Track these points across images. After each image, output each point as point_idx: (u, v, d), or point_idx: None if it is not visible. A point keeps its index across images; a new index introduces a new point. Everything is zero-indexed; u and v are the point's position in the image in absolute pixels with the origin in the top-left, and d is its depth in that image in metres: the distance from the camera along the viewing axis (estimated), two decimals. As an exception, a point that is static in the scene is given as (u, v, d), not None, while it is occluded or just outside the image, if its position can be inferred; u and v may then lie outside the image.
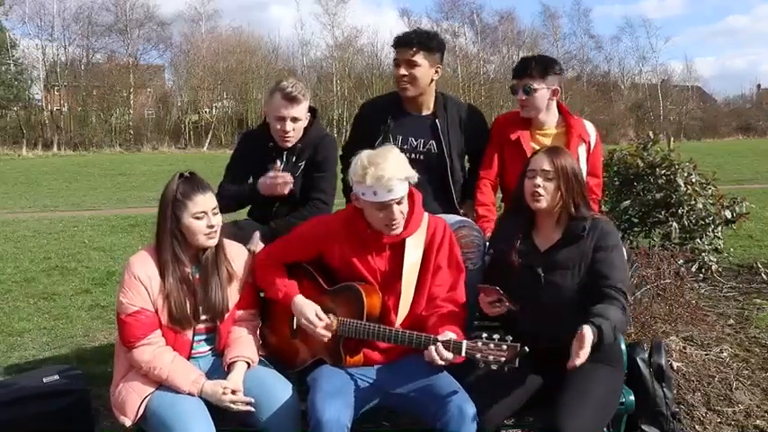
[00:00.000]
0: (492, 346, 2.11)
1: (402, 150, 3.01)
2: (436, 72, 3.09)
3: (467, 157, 3.23)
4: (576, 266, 2.32)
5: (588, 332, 2.04)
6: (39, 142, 32.83)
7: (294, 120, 2.89)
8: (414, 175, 2.35)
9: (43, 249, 7.76)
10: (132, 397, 2.27)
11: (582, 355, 2.03)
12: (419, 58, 3.00)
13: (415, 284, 2.41)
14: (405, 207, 2.34)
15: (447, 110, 3.13)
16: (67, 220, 10.11)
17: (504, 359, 2.09)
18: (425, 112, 3.13)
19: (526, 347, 2.08)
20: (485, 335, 2.13)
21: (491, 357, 2.10)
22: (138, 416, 2.26)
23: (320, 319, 2.38)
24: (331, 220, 2.53)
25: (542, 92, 2.99)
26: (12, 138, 32.81)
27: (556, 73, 3.02)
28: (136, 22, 37.99)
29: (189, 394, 2.26)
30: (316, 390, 2.22)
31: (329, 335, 2.38)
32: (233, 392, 2.25)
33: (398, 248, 2.40)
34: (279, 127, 2.91)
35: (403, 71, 3.02)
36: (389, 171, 2.25)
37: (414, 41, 3.00)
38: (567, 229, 2.35)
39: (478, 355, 2.11)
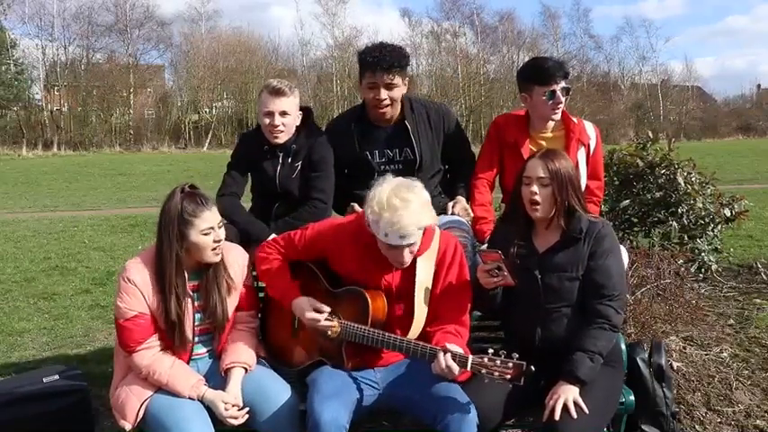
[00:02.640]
0: (498, 362, 2.10)
1: (381, 163, 3.00)
2: (406, 84, 3.02)
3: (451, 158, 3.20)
4: (573, 269, 2.32)
5: (564, 392, 2.17)
6: (39, 142, 32.83)
7: (283, 114, 2.88)
8: (434, 221, 2.27)
9: (43, 249, 7.76)
10: (131, 400, 2.27)
11: (557, 409, 2.14)
12: (397, 79, 2.93)
13: (428, 303, 2.37)
14: (416, 247, 2.28)
15: (414, 111, 3.08)
16: (67, 220, 10.11)
17: (509, 376, 2.08)
18: (394, 121, 3.07)
19: (532, 366, 2.07)
20: (491, 350, 2.13)
21: (496, 374, 2.09)
22: (138, 419, 2.26)
23: (320, 311, 2.35)
24: (339, 230, 2.45)
25: (562, 102, 2.97)
26: (12, 138, 32.82)
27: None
28: (136, 22, 38.05)
29: (189, 398, 2.26)
30: (314, 391, 2.21)
31: (335, 325, 2.34)
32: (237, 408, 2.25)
33: (409, 267, 2.34)
34: (268, 122, 2.90)
35: (383, 95, 2.94)
36: (406, 220, 2.15)
37: (393, 64, 2.90)
38: (565, 232, 2.36)
39: (484, 371, 2.10)
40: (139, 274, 2.32)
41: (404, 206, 2.15)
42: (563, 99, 2.95)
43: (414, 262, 2.33)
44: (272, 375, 2.41)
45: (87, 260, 7.11)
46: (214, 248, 2.33)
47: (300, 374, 2.46)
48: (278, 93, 2.86)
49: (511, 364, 2.08)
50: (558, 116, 3.01)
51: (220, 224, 2.35)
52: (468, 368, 2.13)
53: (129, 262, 2.37)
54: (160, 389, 2.29)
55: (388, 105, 2.98)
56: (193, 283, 2.40)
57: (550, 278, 2.34)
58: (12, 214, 11.20)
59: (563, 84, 2.94)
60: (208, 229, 2.30)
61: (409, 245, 2.22)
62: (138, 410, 2.25)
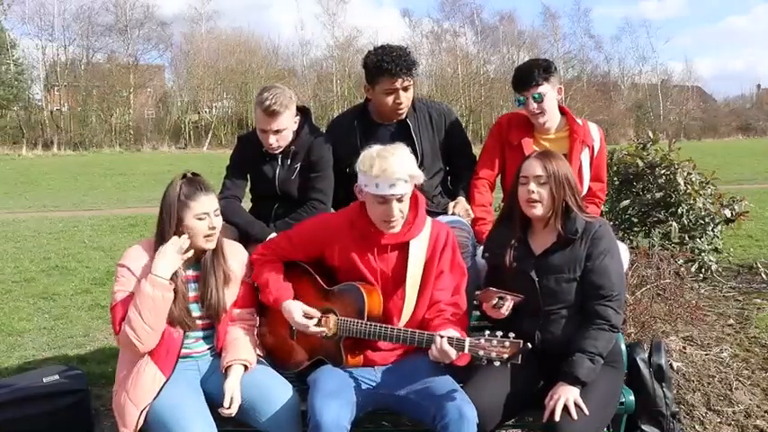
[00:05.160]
0: (495, 342, 2.11)
1: None
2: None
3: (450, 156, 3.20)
4: (570, 270, 2.32)
5: (565, 392, 2.19)
6: (39, 142, 32.84)
7: (277, 132, 2.89)
8: (420, 176, 2.34)
9: (43, 249, 7.76)
10: (130, 408, 2.25)
11: (557, 410, 2.15)
12: (412, 81, 2.96)
13: (419, 288, 2.40)
14: (405, 207, 2.34)
15: (416, 110, 3.09)
16: (67, 220, 10.11)
17: (506, 356, 2.09)
18: (395, 119, 3.07)
19: (529, 344, 2.08)
20: (487, 332, 2.13)
21: (494, 354, 2.10)
22: (139, 426, 2.24)
23: (310, 317, 2.38)
24: (334, 218, 2.53)
25: (550, 93, 2.96)
26: (12, 138, 32.83)
27: (555, 71, 2.98)
28: (136, 22, 38.06)
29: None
30: (315, 391, 2.22)
31: (325, 330, 2.38)
32: (230, 403, 2.24)
33: (402, 251, 2.39)
34: (263, 138, 2.92)
35: (403, 98, 2.96)
36: (395, 165, 2.26)
37: (411, 67, 2.92)
38: (561, 233, 2.35)
39: (481, 352, 2.11)
40: (136, 261, 2.34)
41: (392, 155, 2.30)
42: (535, 105, 2.93)
43: (407, 245, 2.37)
44: (272, 375, 2.41)
45: (87, 260, 7.11)
46: (208, 235, 2.35)
47: (300, 374, 2.47)
48: (273, 114, 2.83)
49: (508, 343, 2.09)
50: (542, 121, 2.99)
51: (217, 212, 2.37)
52: (466, 350, 2.14)
53: (127, 251, 2.39)
54: (159, 393, 2.25)
55: (405, 108, 3.01)
56: (191, 274, 2.41)
57: (548, 280, 2.34)
58: (12, 214, 11.19)
59: (534, 90, 2.92)
60: (202, 213, 2.32)
61: (399, 198, 2.28)
62: (138, 418, 2.23)
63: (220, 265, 2.42)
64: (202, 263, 2.41)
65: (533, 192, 2.33)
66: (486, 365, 2.12)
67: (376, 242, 2.39)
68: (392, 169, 2.25)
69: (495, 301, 2.30)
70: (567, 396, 2.16)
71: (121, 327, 2.26)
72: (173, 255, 2.29)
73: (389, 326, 2.32)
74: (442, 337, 2.17)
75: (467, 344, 2.14)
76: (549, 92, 2.95)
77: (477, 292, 2.44)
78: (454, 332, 2.21)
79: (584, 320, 2.29)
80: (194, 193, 2.32)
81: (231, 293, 2.46)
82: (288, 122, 2.91)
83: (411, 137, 3.03)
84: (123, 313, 2.27)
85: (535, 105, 2.95)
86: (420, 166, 3.00)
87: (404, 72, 2.90)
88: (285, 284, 2.47)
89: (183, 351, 2.38)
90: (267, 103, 2.83)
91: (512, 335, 2.11)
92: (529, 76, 2.94)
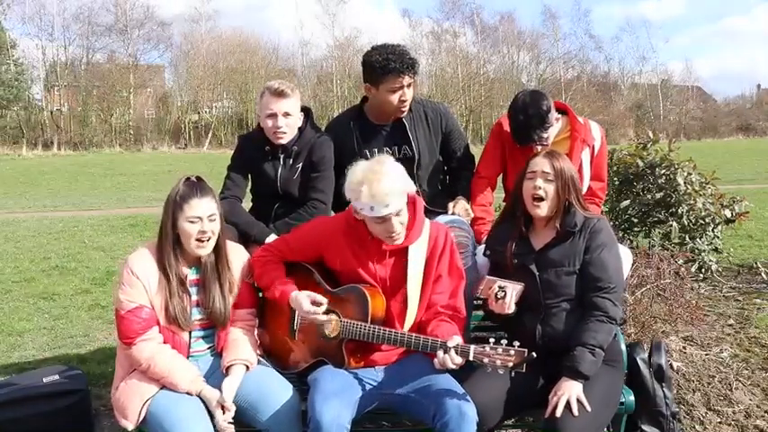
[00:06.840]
0: (500, 350, 2.11)
1: None
2: None
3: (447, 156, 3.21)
4: (570, 263, 2.34)
5: (567, 389, 2.19)
6: (39, 142, 32.82)
7: (285, 115, 2.89)
8: (411, 186, 2.32)
9: (43, 249, 7.75)
10: (133, 400, 2.26)
11: (559, 406, 2.15)
12: (413, 78, 2.98)
13: (420, 291, 2.39)
14: (404, 217, 2.32)
15: (412, 109, 3.10)
16: (67, 220, 10.10)
17: (511, 364, 2.09)
18: (392, 119, 3.08)
19: (533, 353, 2.08)
20: (492, 339, 2.14)
21: (498, 362, 2.10)
22: (140, 419, 2.25)
23: (318, 304, 2.35)
24: (331, 224, 2.50)
25: (553, 127, 2.97)
26: (12, 138, 32.79)
27: (550, 113, 2.91)
28: (136, 22, 38.01)
29: (187, 393, 2.25)
30: (315, 390, 2.21)
31: (333, 319, 2.37)
32: (225, 409, 2.24)
33: (401, 256, 2.38)
34: (271, 124, 2.91)
35: (407, 96, 2.97)
36: (384, 187, 2.21)
37: (415, 64, 2.94)
38: (560, 228, 2.38)
39: (486, 360, 2.12)
40: (142, 265, 2.34)
41: (379, 177, 2.22)
42: (540, 148, 2.91)
43: (405, 250, 2.36)
44: (273, 375, 2.41)
45: (87, 260, 7.11)
46: (198, 239, 2.33)
47: (300, 375, 2.47)
48: (280, 94, 2.86)
49: (512, 352, 2.10)
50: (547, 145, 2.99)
51: (212, 217, 2.34)
52: (471, 357, 2.14)
53: (133, 254, 2.39)
54: (162, 388, 2.28)
55: (407, 104, 3.02)
56: (194, 278, 2.41)
57: (548, 274, 2.36)
58: (12, 214, 11.19)
59: (540, 143, 2.92)
60: (194, 217, 2.31)
61: (396, 213, 2.26)
62: (140, 411, 2.24)
63: (224, 271, 2.42)
64: (202, 267, 2.41)
65: (539, 188, 2.36)
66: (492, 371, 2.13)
67: (374, 248, 2.38)
68: (382, 192, 2.20)
69: (496, 290, 2.31)
70: (570, 392, 2.17)
71: (134, 345, 2.29)
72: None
73: (394, 330, 2.31)
74: (449, 348, 2.15)
75: (471, 351, 2.14)
76: (552, 132, 2.97)
77: (480, 287, 2.43)
78: (458, 338, 2.21)
79: (583, 314, 2.30)
80: (189, 196, 2.32)
81: (233, 297, 2.46)
82: (295, 109, 2.92)
83: (407, 136, 3.05)
84: (132, 326, 2.29)
85: (540, 147, 2.94)
86: (417, 165, 3.04)
87: (409, 69, 2.93)
88: (289, 280, 2.47)
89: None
90: (276, 85, 2.88)
91: (516, 343, 2.11)
92: (528, 139, 2.93)
